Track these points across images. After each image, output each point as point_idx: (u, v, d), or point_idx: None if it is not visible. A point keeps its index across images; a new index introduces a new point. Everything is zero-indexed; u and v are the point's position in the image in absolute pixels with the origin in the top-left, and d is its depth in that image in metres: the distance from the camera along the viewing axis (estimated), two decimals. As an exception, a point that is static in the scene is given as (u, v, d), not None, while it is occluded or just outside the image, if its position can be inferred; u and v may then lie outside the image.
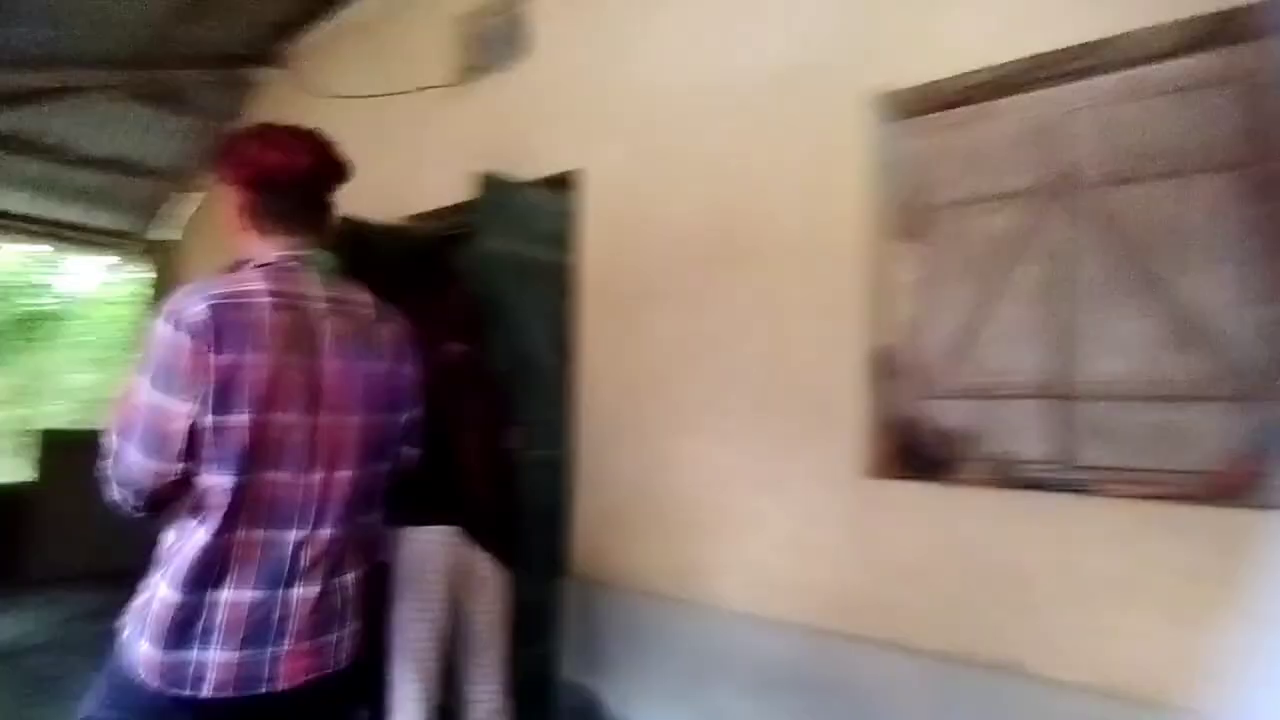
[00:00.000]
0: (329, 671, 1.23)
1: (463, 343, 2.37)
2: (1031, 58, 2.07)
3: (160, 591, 1.14)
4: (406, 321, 1.40)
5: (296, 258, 1.26)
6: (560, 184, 3.15)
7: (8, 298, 10.63)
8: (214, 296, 1.14)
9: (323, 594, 1.23)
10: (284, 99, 5.12)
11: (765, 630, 2.41)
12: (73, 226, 5.83)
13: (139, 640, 1.14)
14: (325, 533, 1.22)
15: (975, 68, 2.16)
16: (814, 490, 2.37)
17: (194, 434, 1.12)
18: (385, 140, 4.18)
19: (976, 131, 2.26)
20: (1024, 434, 2.11)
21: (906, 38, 2.28)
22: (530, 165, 3.34)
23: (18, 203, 5.54)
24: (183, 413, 1.11)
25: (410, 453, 1.45)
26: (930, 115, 2.32)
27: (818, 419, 2.38)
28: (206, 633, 1.13)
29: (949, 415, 2.25)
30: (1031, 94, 2.15)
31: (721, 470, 2.59)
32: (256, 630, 1.16)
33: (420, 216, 3.88)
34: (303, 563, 1.20)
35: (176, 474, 1.13)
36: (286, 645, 1.18)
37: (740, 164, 2.64)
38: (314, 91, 4.51)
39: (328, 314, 1.25)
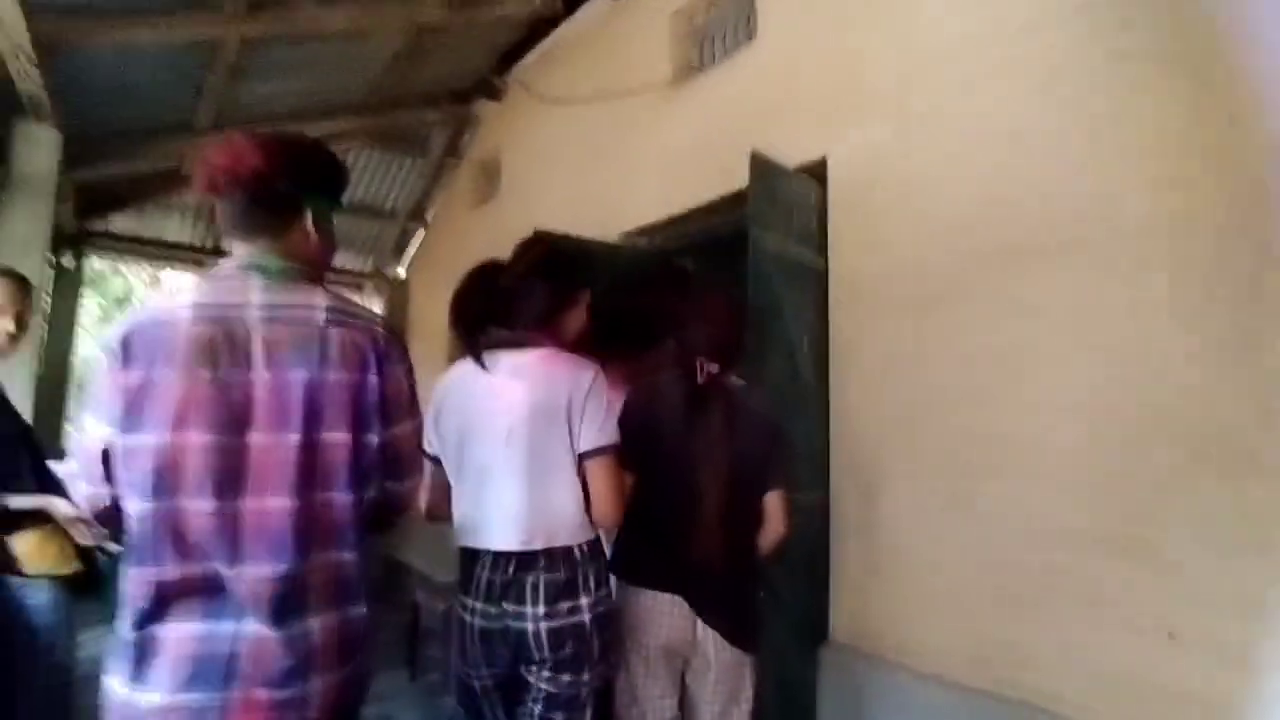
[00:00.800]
0: None
1: (721, 364, 1.95)
2: None
3: (119, 627, 1.09)
4: (377, 328, 1.21)
5: (243, 265, 1.17)
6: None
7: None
8: (140, 314, 1.14)
9: (277, 639, 1.07)
10: (502, 128, 5.20)
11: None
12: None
13: (107, 676, 1.10)
14: (263, 569, 1.07)
15: None
16: (1200, 559, 1.67)
17: (111, 457, 1.09)
18: (601, 154, 4.00)
19: None
20: None
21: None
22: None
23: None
24: (100, 435, 1.09)
25: (396, 488, 1.25)
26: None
27: (1196, 459, 1.69)
28: (148, 668, 1.06)
29: None
30: None
31: (1047, 523, 1.95)
32: (200, 671, 1.05)
33: (645, 230, 3.61)
34: (242, 601, 1.07)
35: (106, 500, 1.12)
36: (234, 693, 1.06)
37: (1046, 131, 2.02)
38: (537, 100, 4.46)
39: (262, 322, 1.13)
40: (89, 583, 2.11)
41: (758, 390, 2.10)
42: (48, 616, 1.98)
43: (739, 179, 3.01)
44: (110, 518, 1.13)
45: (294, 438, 1.10)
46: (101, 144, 3.93)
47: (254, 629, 1.07)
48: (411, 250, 6.42)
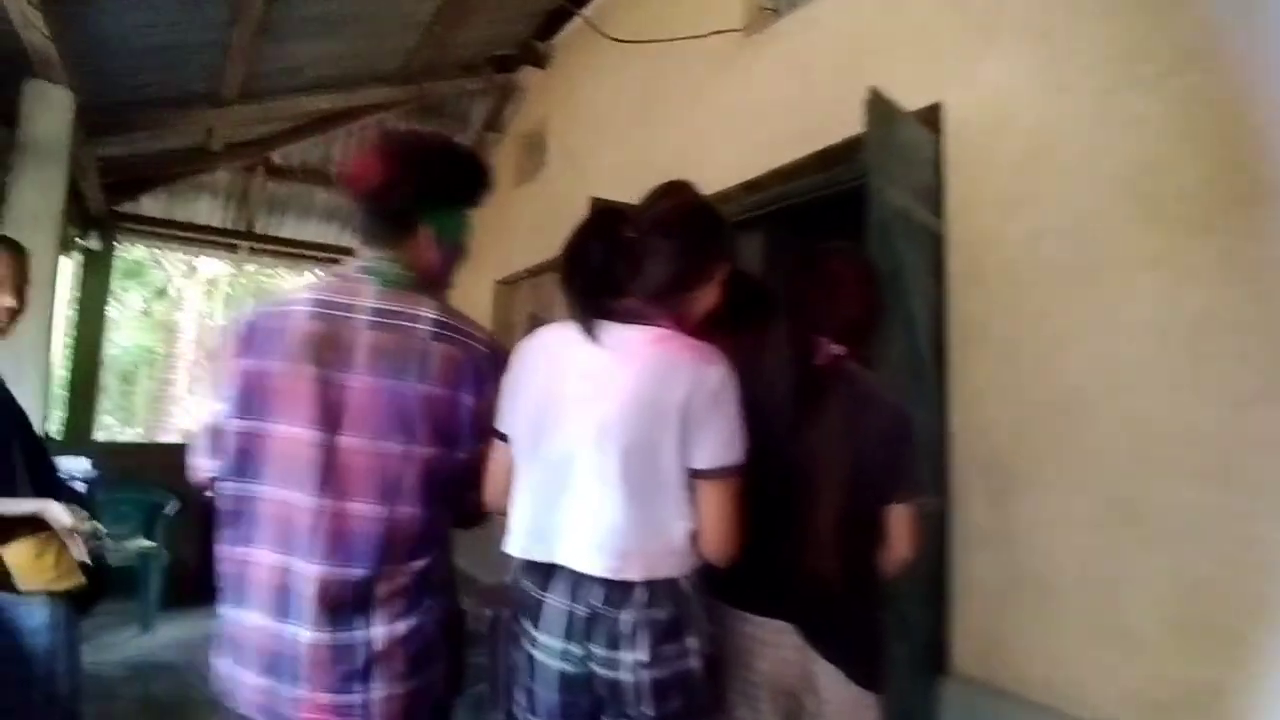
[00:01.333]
0: None
1: (848, 344, 1.57)
2: None
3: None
4: (481, 346, 1.21)
5: (362, 267, 1.21)
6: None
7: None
8: (267, 304, 1.21)
9: (337, 644, 1.09)
10: (548, 97, 4.86)
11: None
12: (353, 252, 6.06)
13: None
14: (334, 571, 1.08)
15: None
16: None
17: (216, 434, 1.15)
18: (664, 116, 3.63)
19: None
20: None
21: None
22: (856, 115, 2.53)
23: (310, 232, 5.87)
24: (212, 410, 1.16)
25: (478, 497, 1.27)
26: None
27: None
28: (239, 649, 1.13)
29: None
30: None
31: (1249, 539, 1.55)
32: (275, 662, 1.10)
33: (718, 198, 3.23)
34: (307, 600, 1.09)
35: (208, 474, 1.18)
36: (302, 690, 1.09)
37: (1244, 56, 1.61)
38: (589, 58, 4.11)
39: (370, 327, 1.14)
40: (94, 596, 1.83)
41: (883, 375, 1.73)
42: (45, 639, 1.69)
43: (830, 134, 2.65)
44: (207, 491, 1.18)
45: (383, 445, 1.10)
46: (124, 113, 3.66)
47: (312, 631, 1.08)
48: (449, 232, 6.12)
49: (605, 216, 1.33)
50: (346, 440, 1.10)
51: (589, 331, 1.26)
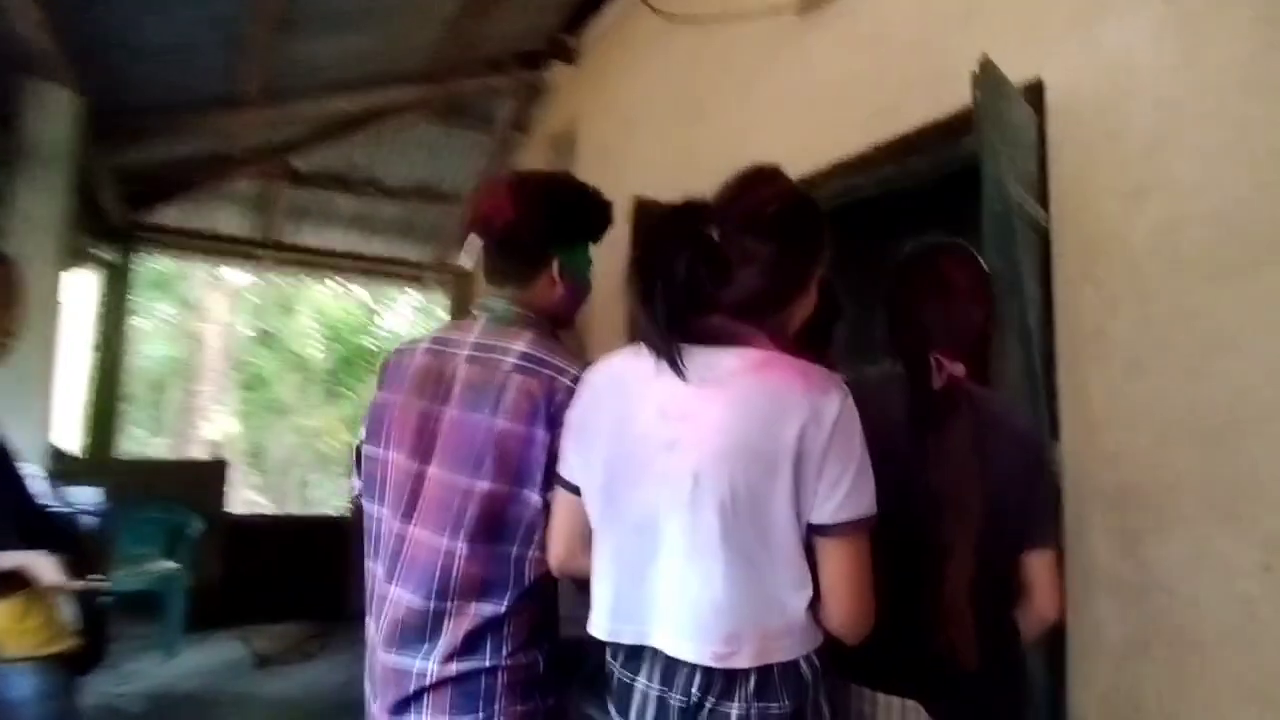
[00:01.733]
0: None
1: (967, 361, 1.30)
2: None
3: None
4: (562, 379, 1.14)
5: (479, 305, 1.25)
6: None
7: (340, 338, 11.95)
8: (406, 342, 1.30)
9: (398, 668, 1.12)
10: (578, 94, 4.63)
11: None
12: (378, 260, 5.89)
13: None
14: (406, 596, 1.13)
15: None
16: None
17: (358, 458, 1.28)
18: (707, 108, 3.38)
19: None
20: None
21: None
22: (936, 95, 2.25)
23: (333, 240, 5.69)
24: (361, 436, 1.28)
25: (537, 555, 1.15)
26: None
27: None
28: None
29: None
30: None
31: None
32: (370, 676, 1.19)
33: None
34: (384, 620, 1.15)
35: (355, 493, 1.35)
36: (377, 706, 1.15)
37: None
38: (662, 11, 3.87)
39: (466, 361, 1.18)
40: (92, 657, 1.62)
41: (1005, 396, 1.46)
42: (33, 712, 1.47)
43: (903, 120, 2.38)
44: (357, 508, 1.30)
45: (455, 477, 1.13)
46: (137, 117, 3.49)
47: (384, 652, 1.14)
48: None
49: (686, 213, 1.08)
50: (432, 470, 1.15)
51: (672, 359, 1.00)
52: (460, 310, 5.84)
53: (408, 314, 11.74)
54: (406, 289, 7.19)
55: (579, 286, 1.29)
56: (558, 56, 4.52)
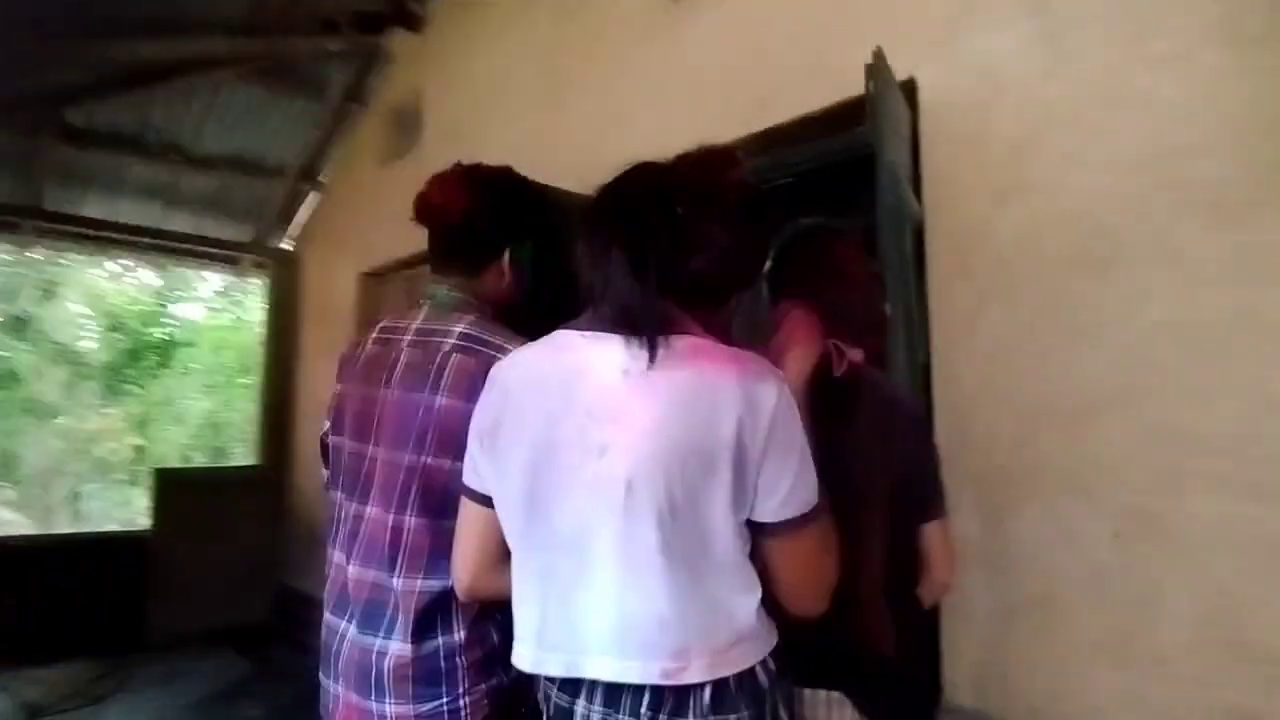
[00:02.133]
0: None
1: (864, 346, 1.31)
2: None
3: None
4: (500, 357, 1.09)
5: (423, 293, 1.28)
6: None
7: (124, 329, 10.38)
8: (364, 334, 1.34)
9: (362, 646, 1.15)
10: (424, 64, 4.29)
11: None
12: (179, 238, 5.11)
13: None
14: (368, 574, 1.16)
15: None
16: None
17: (325, 449, 1.32)
18: (571, 90, 3.24)
19: None
20: None
21: None
22: (812, 89, 2.30)
23: (121, 212, 4.86)
24: (324, 425, 1.31)
25: None
26: None
27: None
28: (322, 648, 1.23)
29: None
30: None
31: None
32: (325, 654, 1.21)
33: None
34: (350, 599, 1.18)
35: (325, 481, 1.31)
36: (339, 686, 1.17)
37: (1266, 37, 1.51)
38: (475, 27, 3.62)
39: (409, 345, 1.22)
40: None
41: (893, 377, 1.51)
42: None
43: (777, 112, 2.41)
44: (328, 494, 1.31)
45: (405, 456, 1.15)
46: None
47: (352, 631, 1.17)
48: (302, 217, 5.32)
49: (655, 186, 0.97)
50: (378, 451, 1.18)
51: (650, 346, 0.89)
52: (283, 296, 5.24)
53: (206, 299, 10.49)
54: (216, 272, 6.35)
55: (525, 278, 1.33)
56: (400, 23, 4.16)
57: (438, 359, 1.17)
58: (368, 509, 1.17)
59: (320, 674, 1.23)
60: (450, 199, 1.24)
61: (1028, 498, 1.80)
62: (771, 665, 0.94)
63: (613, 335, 0.90)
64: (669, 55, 2.81)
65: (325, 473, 1.32)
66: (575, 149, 3.14)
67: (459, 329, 1.20)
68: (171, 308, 10.82)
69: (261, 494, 5.08)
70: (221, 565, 4.76)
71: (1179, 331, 1.60)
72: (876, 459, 1.24)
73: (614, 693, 0.89)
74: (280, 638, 4.73)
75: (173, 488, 4.83)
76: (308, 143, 4.76)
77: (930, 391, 1.96)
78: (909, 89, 2.05)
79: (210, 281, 9.95)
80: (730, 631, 0.89)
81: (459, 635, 1.13)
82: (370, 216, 4.53)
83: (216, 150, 4.68)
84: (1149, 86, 1.66)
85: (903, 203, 1.63)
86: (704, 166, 1.03)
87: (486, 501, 0.98)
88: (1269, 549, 1.48)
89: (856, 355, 1.25)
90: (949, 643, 1.91)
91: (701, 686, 0.87)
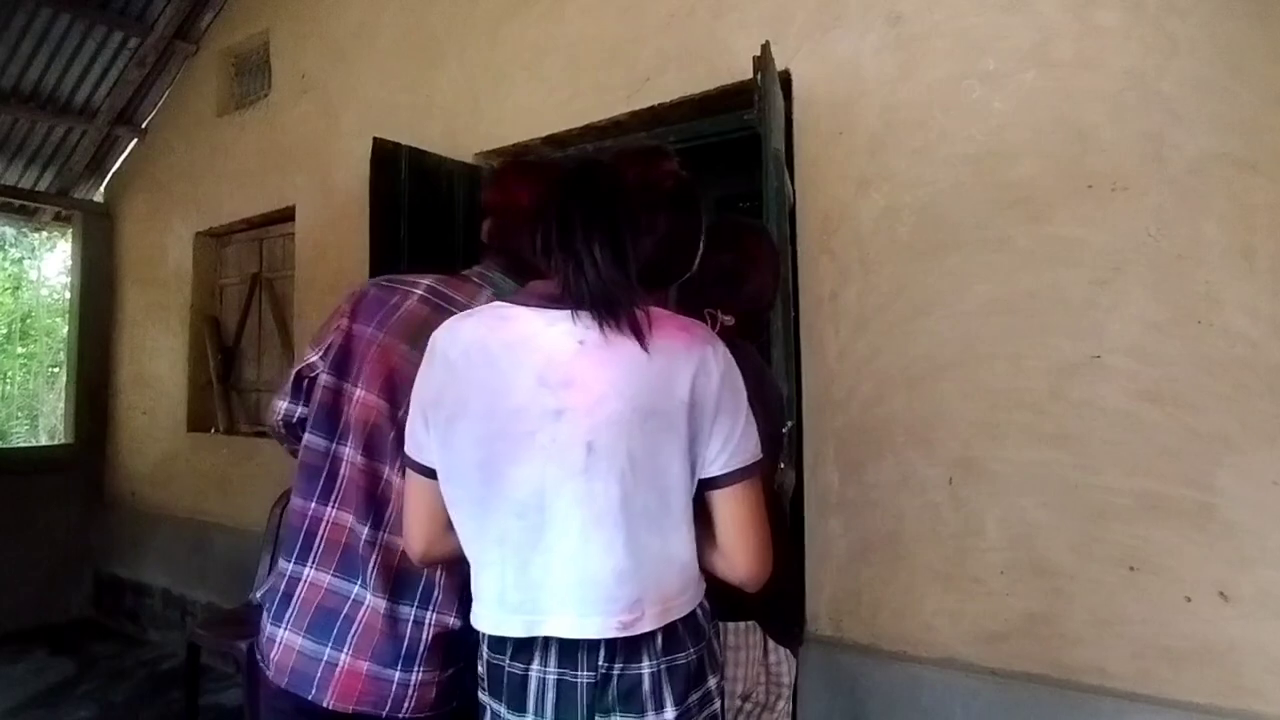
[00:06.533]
0: (382, 716, 1.11)
1: (749, 318, 1.48)
2: None
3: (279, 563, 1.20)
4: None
5: (479, 274, 1.26)
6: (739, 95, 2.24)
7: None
8: (385, 278, 1.28)
9: (389, 615, 1.12)
10: (273, 4, 3.95)
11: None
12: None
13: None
14: (396, 539, 1.13)
15: None
16: (1258, 518, 1.63)
17: (311, 383, 1.22)
18: (449, 47, 3.14)
19: None
20: None
21: None
22: (690, 74, 2.42)
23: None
24: (308, 360, 1.22)
25: None
26: None
27: (1254, 416, 1.63)
28: (286, 607, 1.16)
29: None
30: None
31: (1081, 488, 1.80)
32: (323, 619, 1.13)
33: (518, 150, 2.88)
34: (371, 565, 1.13)
35: (285, 414, 1.25)
36: (344, 655, 1.11)
37: (1085, 57, 1.83)
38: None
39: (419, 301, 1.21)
40: None
41: (772, 349, 1.69)
42: None
43: (657, 91, 2.52)
44: (288, 432, 1.27)
45: (383, 404, 1.16)
46: None
47: (371, 597, 1.12)
48: (118, 166, 4.72)
49: (595, 173, 1.02)
50: (402, 415, 1.12)
51: (631, 323, 0.94)
52: (96, 255, 4.66)
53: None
54: (4, 224, 5.49)
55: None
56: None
57: (406, 311, 1.20)
58: (395, 471, 1.14)
59: (285, 634, 1.15)
60: (492, 194, 1.29)
61: (879, 451, 2.07)
62: (706, 605, 1.05)
63: (559, 309, 0.95)
64: (549, 25, 2.81)
65: (286, 406, 1.25)
66: (451, 114, 3.08)
67: (425, 282, 1.24)
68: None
69: (73, 476, 4.54)
70: (26, 558, 4.24)
71: (1000, 307, 1.91)
72: (758, 412, 1.40)
73: (569, 649, 0.95)
74: (105, 633, 4.31)
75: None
76: (125, 82, 4.23)
77: (799, 359, 2.18)
78: (784, 80, 2.23)
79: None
80: (678, 580, 0.98)
81: (432, 610, 1.15)
82: (208, 170, 4.14)
83: (6, 82, 4.05)
84: (981, 98, 1.94)
85: (784, 186, 1.80)
86: (642, 160, 1.11)
87: (431, 474, 1.01)
88: (1064, 485, 1.82)
89: (728, 320, 1.41)
90: (812, 580, 2.17)
91: (654, 633, 0.96)
